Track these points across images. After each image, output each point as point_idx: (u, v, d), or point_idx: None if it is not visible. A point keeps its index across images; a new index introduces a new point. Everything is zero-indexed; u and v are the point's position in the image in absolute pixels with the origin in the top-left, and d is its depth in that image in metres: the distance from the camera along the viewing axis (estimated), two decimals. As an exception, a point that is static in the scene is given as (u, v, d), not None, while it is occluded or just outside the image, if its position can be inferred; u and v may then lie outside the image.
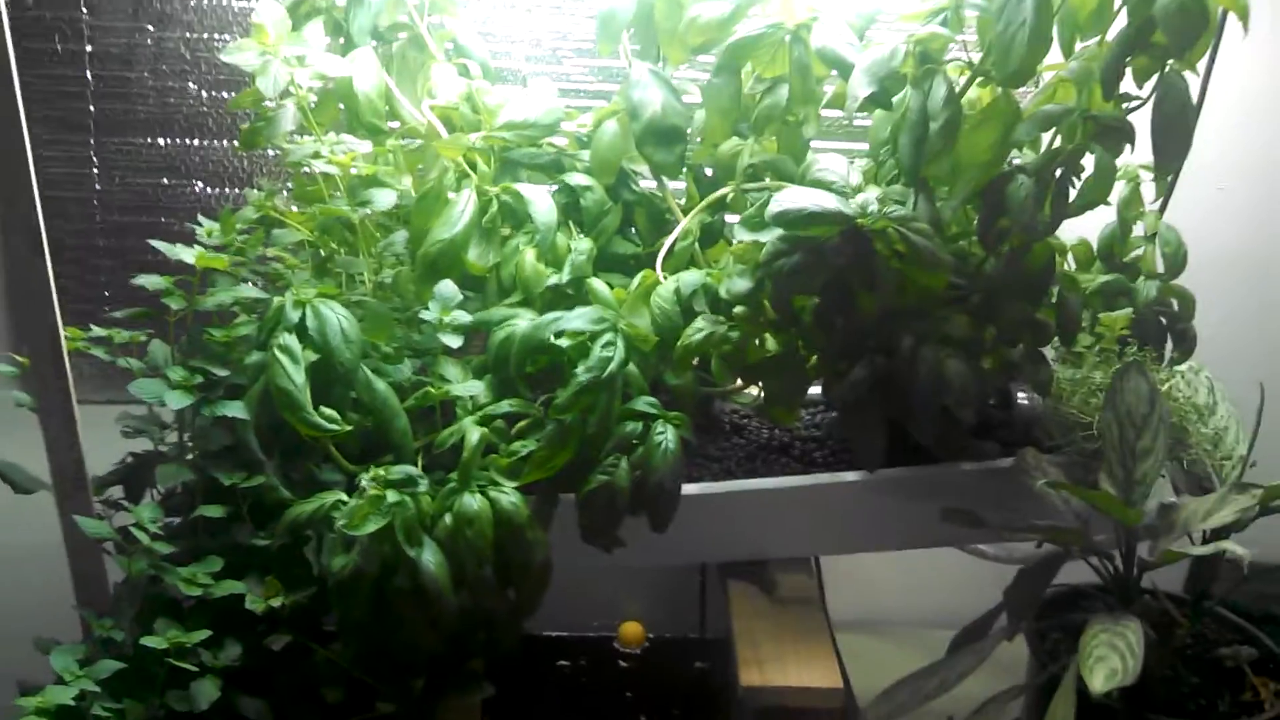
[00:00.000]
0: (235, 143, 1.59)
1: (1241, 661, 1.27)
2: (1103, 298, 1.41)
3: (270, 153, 1.58)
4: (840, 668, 1.27)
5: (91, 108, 1.57)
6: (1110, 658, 1.05)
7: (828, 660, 1.25)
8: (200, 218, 1.26)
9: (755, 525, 1.27)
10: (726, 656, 1.39)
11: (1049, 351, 1.37)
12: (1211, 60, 1.28)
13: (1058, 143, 1.22)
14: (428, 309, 1.20)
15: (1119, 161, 1.24)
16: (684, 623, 1.65)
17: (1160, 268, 1.45)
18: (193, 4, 1.53)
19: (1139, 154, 1.24)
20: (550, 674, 1.56)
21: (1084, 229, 1.44)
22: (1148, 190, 1.44)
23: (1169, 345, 1.43)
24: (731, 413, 1.41)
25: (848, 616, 1.44)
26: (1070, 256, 1.47)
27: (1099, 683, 1.03)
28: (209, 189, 1.61)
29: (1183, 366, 1.41)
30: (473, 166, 1.29)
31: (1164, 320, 1.43)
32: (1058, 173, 1.21)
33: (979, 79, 1.21)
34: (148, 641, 1.04)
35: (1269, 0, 1.50)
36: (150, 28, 1.54)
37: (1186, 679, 1.25)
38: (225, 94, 1.57)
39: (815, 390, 1.31)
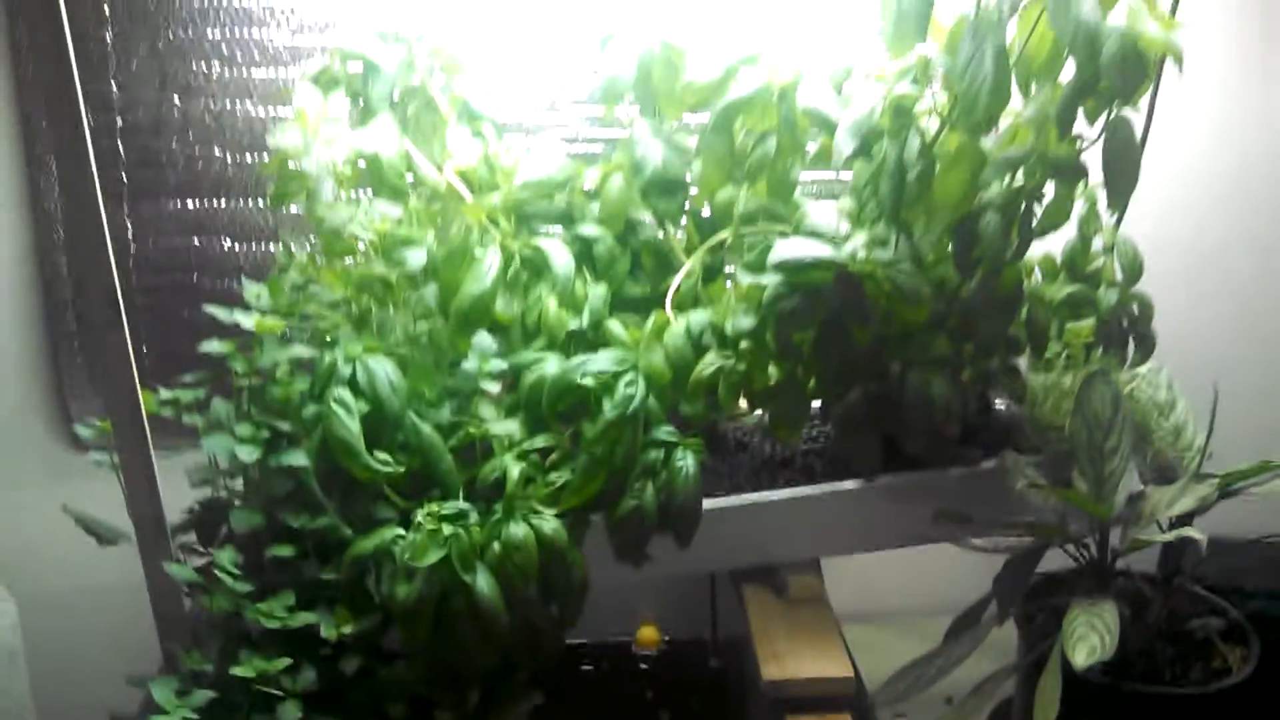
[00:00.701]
0: (259, 202, 1.70)
1: (1211, 632, 1.38)
2: (1068, 307, 1.51)
3: (293, 209, 1.69)
4: (849, 658, 1.40)
5: (124, 175, 1.68)
6: (1090, 636, 1.19)
7: (839, 653, 1.37)
8: (244, 280, 1.38)
9: (766, 533, 1.38)
10: (741, 654, 1.51)
11: (1021, 361, 1.51)
12: (1154, 96, 1.41)
13: (1020, 179, 1.35)
14: (465, 358, 1.32)
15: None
16: (696, 626, 1.76)
17: (1119, 276, 1.56)
18: (215, 76, 1.65)
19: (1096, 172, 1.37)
20: (576, 678, 1.68)
21: (1048, 243, 1.57)
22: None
23: (1130, 348, 1.56)
24: (735, 430, 1.53)
25: (850, 610, 1.56)
26: (1037, 271, 1.60)
27: (1081, 659, 1.16)
28: (236, 246, 1.72)
29: (1143, 367, 1.54)
30: (494, 223, 1.41)
31: (1125, 325, 1.54)
32: (1022, 206, 1.35)
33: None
34: (238, 671, 1.15)
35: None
36: (176, 98, 1.66)
37: (1161, 651, 1.37)
38: (248, 156, 1.69)
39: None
